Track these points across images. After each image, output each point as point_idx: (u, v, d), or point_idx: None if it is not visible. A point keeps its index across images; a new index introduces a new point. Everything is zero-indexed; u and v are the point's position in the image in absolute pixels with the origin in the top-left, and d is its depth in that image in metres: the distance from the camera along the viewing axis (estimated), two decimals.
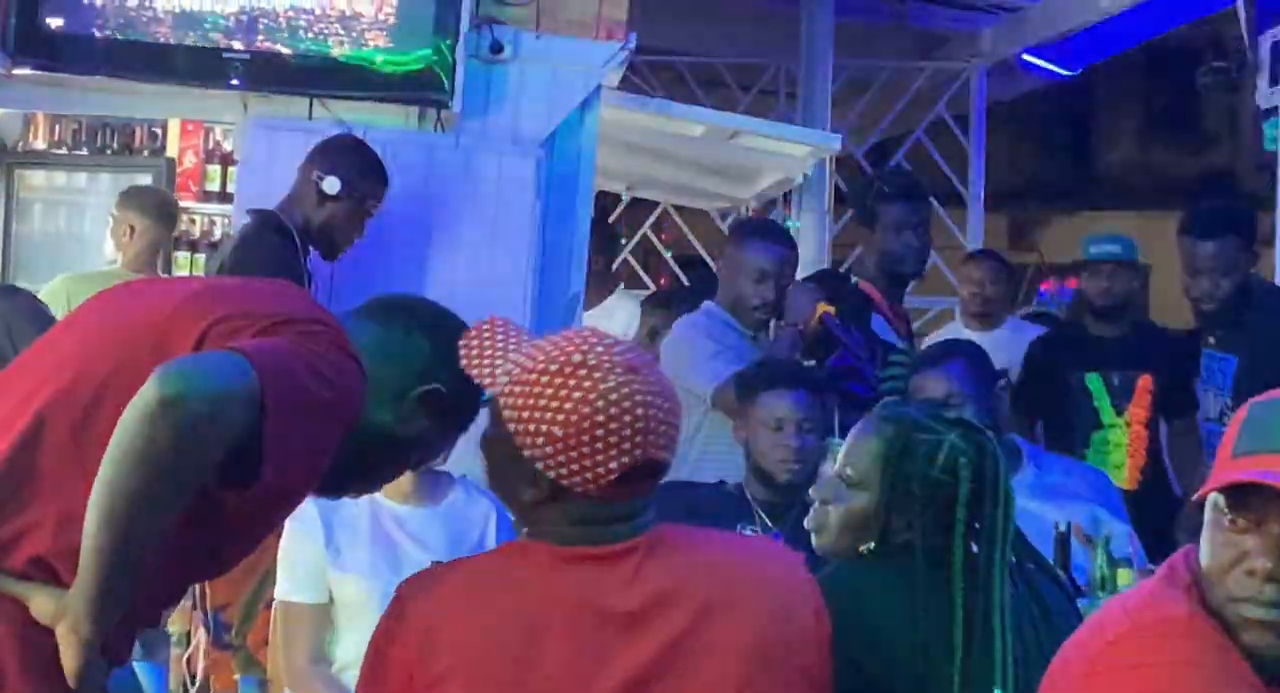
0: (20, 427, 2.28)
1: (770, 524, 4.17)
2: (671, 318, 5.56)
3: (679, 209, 9.13)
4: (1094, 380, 5.49)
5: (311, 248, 4.98)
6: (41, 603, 2.21)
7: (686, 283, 8.60)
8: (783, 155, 7.28)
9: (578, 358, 2.30)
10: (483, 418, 2.45)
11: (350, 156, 4.99)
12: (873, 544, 2.88)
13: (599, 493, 2.31)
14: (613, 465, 2.28)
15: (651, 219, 9.06)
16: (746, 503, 4.26)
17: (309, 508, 3.85)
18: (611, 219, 8.85)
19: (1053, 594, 2.94)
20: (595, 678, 2.27)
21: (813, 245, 7.76)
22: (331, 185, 4.90)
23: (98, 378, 2.28)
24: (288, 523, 3.72)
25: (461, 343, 2.41)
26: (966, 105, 8.83)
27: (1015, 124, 12.87)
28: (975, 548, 2.76)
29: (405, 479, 3.87)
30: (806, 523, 3.04)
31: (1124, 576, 3.79)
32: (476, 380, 2.37)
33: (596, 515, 2.34)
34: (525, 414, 2.29)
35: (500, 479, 2.41)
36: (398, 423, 2.46)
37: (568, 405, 2.27)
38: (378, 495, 3.93)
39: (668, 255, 9.48)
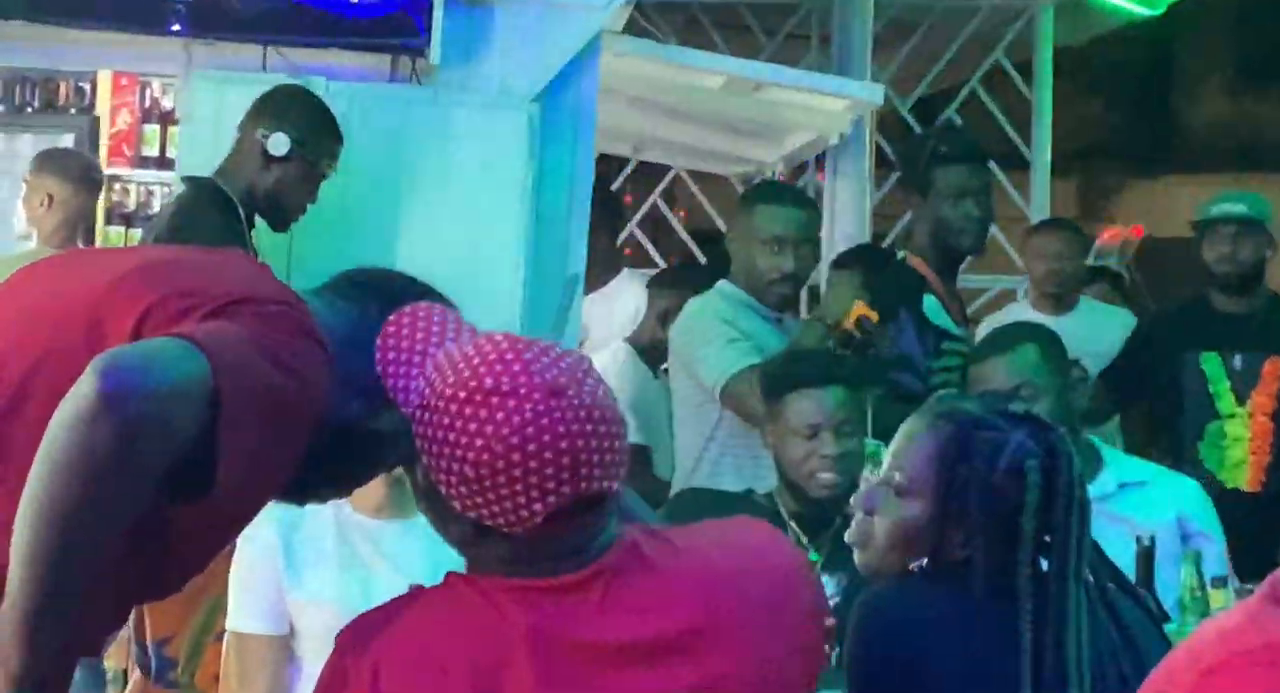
0: None
1: (805, 543, 4.15)
2: (685, 300, 5.55)
3: (694, 174, 9.12)
4: (1211, 362, 5.42)
5: (258, 218, 4.97)
6: None
7: (702, 259, 8.61)
8: (815, 111, 7.29)
9: (489, 382, 2.25)
10: None
11: (299, 110, 4.99)
12: (925, 561, 2.87)
13: (528, 535, 2.28)
14: (536, 506, 2.25)
15: (662, 186, 9.06)
16: (778, 517, 4.21)
17: (264, 524, 3.84)
18: (615, 186, 8.87)
19: (1135, 618, 2.94)
20: None
21: (851, 215, 7.76)
22: (278, 144, 4.89)
23: (18, 371, 2.26)
24: (240, 542, 3.75)
25: (378, 344, 2.38)
26: (1030, 51, 8.82)
27: (1087, 73, 12.88)
28: (1045, 565, 2.76)
29: (377, 488, 3.88)
30: (847, 537, 3.04)
31: (1217, 597, 3.80)
32: (390, 394, 2.36)
33: (534, 554, 2.32)
34: (435, 448, 2.27)
35: (426, 511, 2.40)
36: (370, 416, 2.42)
37: (479, 442, 2.24)
38: (345, 508, 3.95)
39: (681, 228, 9.48)
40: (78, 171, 6.19)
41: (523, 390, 2.24)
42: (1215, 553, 4.10)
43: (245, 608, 3.97)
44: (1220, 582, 3.92)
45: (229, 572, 4.38)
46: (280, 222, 5.00)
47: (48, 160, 6.28)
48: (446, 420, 2.25)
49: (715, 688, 2.30)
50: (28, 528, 2.10)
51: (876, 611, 2.73)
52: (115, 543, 2.16)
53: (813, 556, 4.04)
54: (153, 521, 2.20)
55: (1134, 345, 5.62)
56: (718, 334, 5.00)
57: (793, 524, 4.18)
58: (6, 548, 2.14)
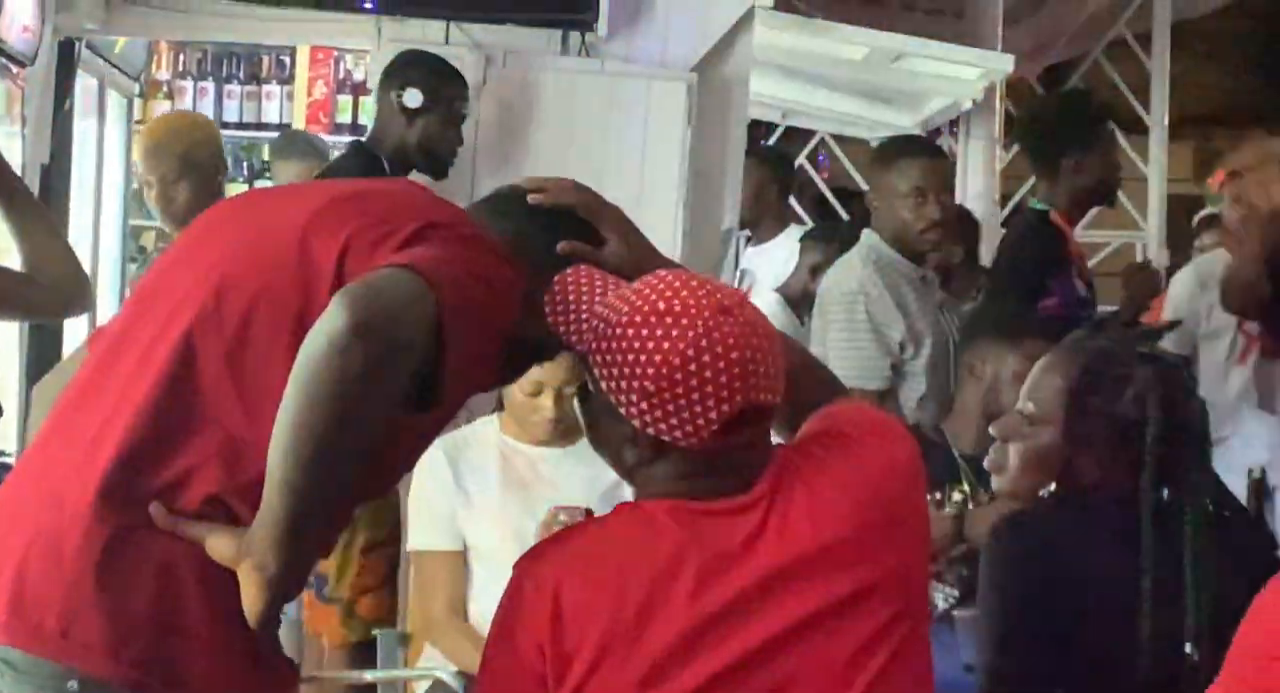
0: (165, 355, 2.27)
1: (977, 483, 4.07)
2: (833, 254, 5.49)
3: (836, 139, 9.09)
4: None
5: (419, 172, 5.00)
6: (218, 543, 2.22)
7: (845, 216, 8.57)
8: (950, 79, 7.26)
9: (662, 306, 2.27)
10: None
11: (420, 65, 5.04)
12: (1053, 486, 2.87)
13: (702, 446, 2.29)
14: (713, 415, 2.26)
15: (809, 149, 9.04)
16: (950, 453, 4.16)
17: (435, 452, 3.92)
18: (770, 147, 8.84)
19: (1251, 544, 2.92)
20: (739, 631, 2.28)
21: (981, 176, 7.72)
22: (413, 98, 4.94)
23: (246, 295, 2.28)
24: (414, 470, 3.79)
25: (545, 297, 2.38)
26: (1149, 23, 8.70)
27: (1205, 42, 12.65)
28: (1166, 493, 2.75)
29: (540, 421, 3.94)
30: (986, 463, 3.04)
31: None
32: (562, 338, 2.37)
33: (706, 468, 2.33)
34: (614, 371, 2.28)
35: (600, 441, 2.41)
36: (531, 321, 2.40)
37: (657, 357, 2.25)
38: (507, 436, 4.01)
39: (825, 188, 9.44)
40: (314, 152, 6.33)
41: (694, 310, 2.26)
42: None
43: (422, 528, 4.04)
44: None
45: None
46: (438, 169, 5.03)
47: (289, 145, 6.42)
48: (624, 343, 2.26)
49: (867, 596, 2.29)
50: (285, 448, 2.12)
51: (1012, 531, 2.74)
52: (364, 457, 2.20)
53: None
54: (385, 433, 2.22)
55: None
56: (859, 324, 4.80)
57: (965, 468, 4.10)
58: (253, 462, 2.18)
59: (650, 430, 2.29)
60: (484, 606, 3.84)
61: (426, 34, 5.40)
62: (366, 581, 4.64)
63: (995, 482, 3.01)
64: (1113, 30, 8.72)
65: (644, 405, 2.27)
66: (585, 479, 3.82)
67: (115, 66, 6.37)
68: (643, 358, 2.26)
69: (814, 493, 2.36)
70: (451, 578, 3.99)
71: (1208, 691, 2.28)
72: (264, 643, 2.30)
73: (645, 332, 2.26)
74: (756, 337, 2.30)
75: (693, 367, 2.25)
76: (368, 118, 5.74)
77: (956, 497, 3.85)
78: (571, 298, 2.38)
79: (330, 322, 2.07)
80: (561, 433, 3.96)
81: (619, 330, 2.28)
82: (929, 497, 3.72)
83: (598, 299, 2.36)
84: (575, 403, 2.46)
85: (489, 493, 3.98)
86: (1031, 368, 3.79)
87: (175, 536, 2.23)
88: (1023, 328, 4.13)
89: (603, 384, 2.31)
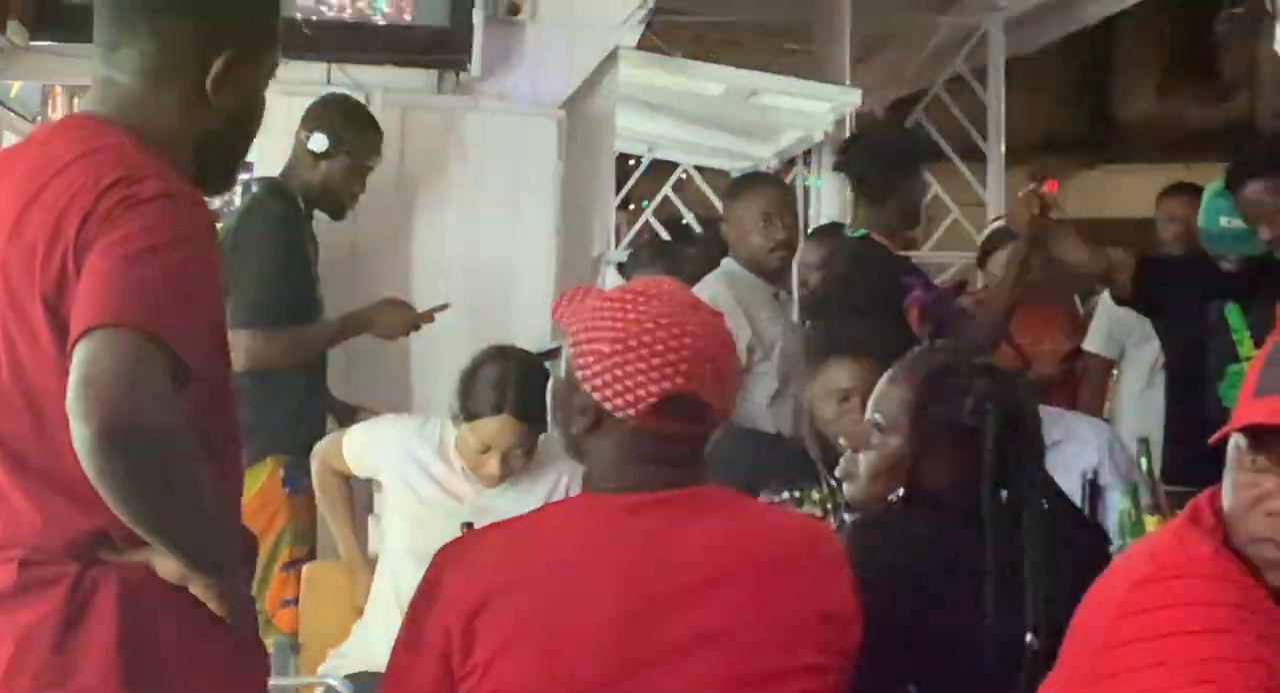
0: None
1: (831, 483, 4.07)
2: (660, 272, 5.58)
3: (700, 169, 9.11)
4: (1233, 310, 5.05)
5: (319, 211, 4.95)
6: (164, 566, 2.21)
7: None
8: (802, 113, 7.29)
9: (641, 287, 2.32)
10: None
11: (334, 112, 4.95)
12: (901, 491, 2.87)
13: (639, 420, 2.27)
14: (653, 389, 2.25)
15: (672, 180, 9.05)
16: (807, 458, 4.13)
17: (411, 424, 4.12)
18: (632, 181, 8.86)
19: (1084, 540, 2.93)
20: (643, 640, 2.25)
21: (835, 202, 7.75)
22: (319, 143, 4.86)
23: None
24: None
25: (553, 307, 2.40)
26: (985, 59, 8.78)
27: (1035, 77, 12.81)
28: (1006, 495, 2.75)
29: (488, 463, 3.92)
30: (837, 472, 3.04)
31: (1150, 522, 3.78)
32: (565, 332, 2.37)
33: (637, 453, 2.31)
34: (581, 335, 2.30)
35: (558, 411, 2.39)
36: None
37: (619, 324, 2.27)
38: (458, 454, 3.99)
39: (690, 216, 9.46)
40: None
41: (666, 295, 2.31)
42: (1142, 485, 4.06)
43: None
44: (1151, 509, 3.91)
45: (299, 505, 4.45)
46: (335, 211, 4.96)
47: None
48: (598, 313, 2.30)
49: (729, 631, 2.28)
50: (134, 523, 2.12)
51: (862, 535, 2.73)
52: (202, 470, 2.16)
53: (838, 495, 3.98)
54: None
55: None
56: None
57: (823, 469, 4.13)
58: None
59: (597, 395, 2.28)
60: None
61: (309, 75, 5.34)
62: (284, 594, 4.59)
63: (847, 489, 3.00)
64: (951, 67, 8.79)
65: (597, 368, 2.27)
66: (513, 507, 3.81)
67: (10, 109, 6.25)
68: (607, 323, 2.27)
69: (731, 509, 2.36)
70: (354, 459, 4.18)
71: (1047, 677, 2.28)
72: (242, 633, 2.31)
73: (618, 304, 2.29)
74: (714, 340, 2.30)
75: (647, 338, 2.25)
76: (254, 154, 5.65)
77: (815, 497, 3.86)
78: (574, 302, 2.38)
79: (80, 439, 2.03)
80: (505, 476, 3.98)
81: (599, 303, 2.31)
82: (788, 495, 3.73)
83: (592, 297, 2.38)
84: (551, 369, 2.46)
85: (419, 490, 3.97)
86: (865, 381, 3.82)
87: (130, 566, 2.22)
88: (856, 345, 4.16)
89: (569, 350, 2.31)
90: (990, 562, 2.68)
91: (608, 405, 2.28)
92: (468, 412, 3.86)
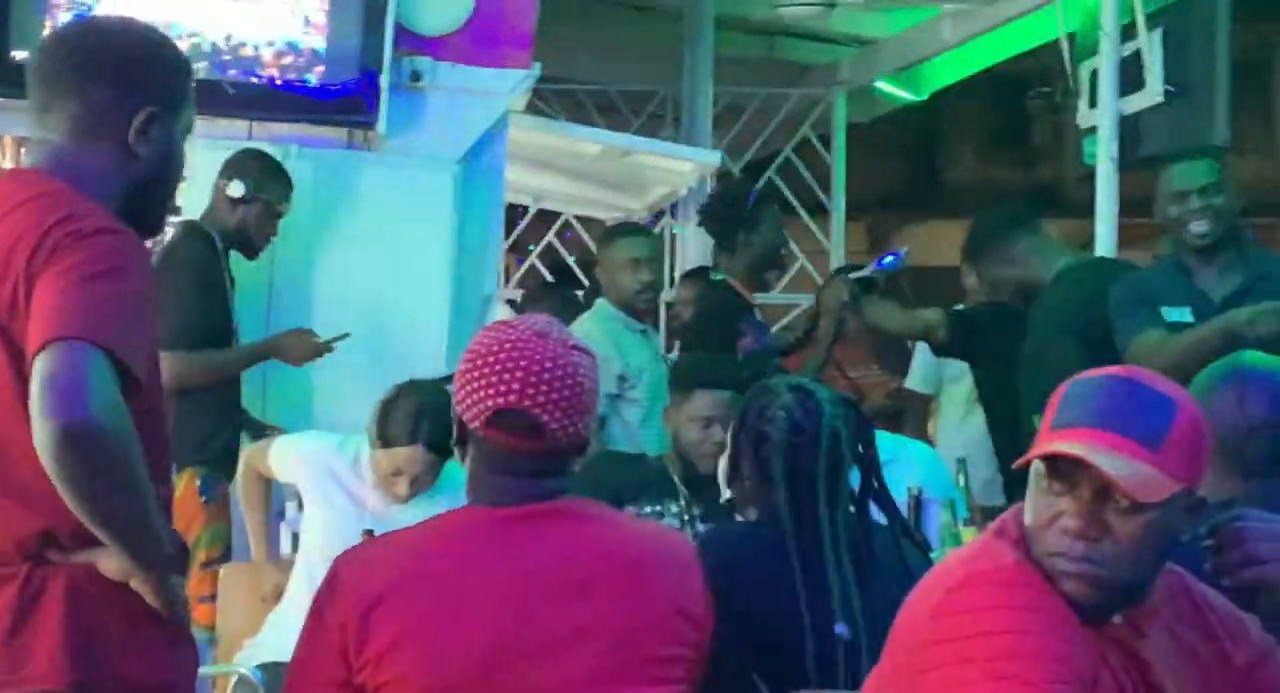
0: None
1: (690, 499, 4.11)
2: (550, 309, 5.60)
3: (579, 218, 9.11)
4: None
5: (234, 251, 4.95)
6: (107, 564, 2.19)
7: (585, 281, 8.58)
8: (669, 171, 7.30)
9: (507, 320, 2.39)
10: None
11: (251, 163, 4.96)
12: (729, 495, 2.89)
13: (483, 432, 2.30)
14: (488, 403, 2.28)
15: (555, 228, 9.05)
16: (668, 478, 4.17)
17: (331, 441, 4.06)
18: (520, 228, 8.85)
19: (911, 553, 2.94)
20: (519, 636, 2.25)
21: (696, 249, 7.78)
22: (235, 188, 4.88)
23: None
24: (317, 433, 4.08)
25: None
26: (829, 126, 8.88)
27: (872, 143, 12.96)
28: (831, 507, 2.76)
29: (400, 485, 3.89)
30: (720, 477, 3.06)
31: (968, 533, 3.83)
32: None
33: (494, 462, 2.33)
34: (462, 361, 2.35)
35: (455, 440, 2.43)
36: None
37: (475, 348, 2.32)
38: (373, 471, 3.94)
39: (570, 259, 9.45)
40: None
41: (522, 325, 2.34)
42: (960, 502, 4.10)
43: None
44: (968, 522, 3.95)
45: (214, 512, 4.40)
46: (249, 252, 4.99)
47: None
48: (473, 339, 2.37)
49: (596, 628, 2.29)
50: (89, 521, 2.09)
51: (704, 545, 2.74)
52: (150, 475, 2.14)
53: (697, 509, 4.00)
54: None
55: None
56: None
57: (681, 487, 4.14)
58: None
59: (460, 407, 2.32)
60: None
61: (234, 131, 5.30)
62: (202, 591, 4.54)
63: (725, 492, 3.03)
64: (800, 132, 8.87)
65: (457, 385, 2.31)
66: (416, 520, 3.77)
67: None
68: (471, 347, 2.33)
69: (596, 520, 2.36)
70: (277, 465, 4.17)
71: (872, 672, 2.29)
72: (176, 626, 2.29)
73: (483, 332, 2.35)
74: (558, 366, 2.29)
75: (490, 357, 2.28)
76: (182, 199, 5.58)
77: (674, 510, 3.88)
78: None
79: (43, 437, 2.01)
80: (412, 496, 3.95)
81: (479, 332, 2.37)
82: (650, 509, 3.74)
83: None
84: None
85: (334, 500, 3.94)
86: (725, 410, 3.85)
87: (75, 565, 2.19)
88: (707, 376, 4.19)
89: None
90: (798, 571, 2.70)
91: (464, 418, 2.32)
92: (384, 438, 3.84)
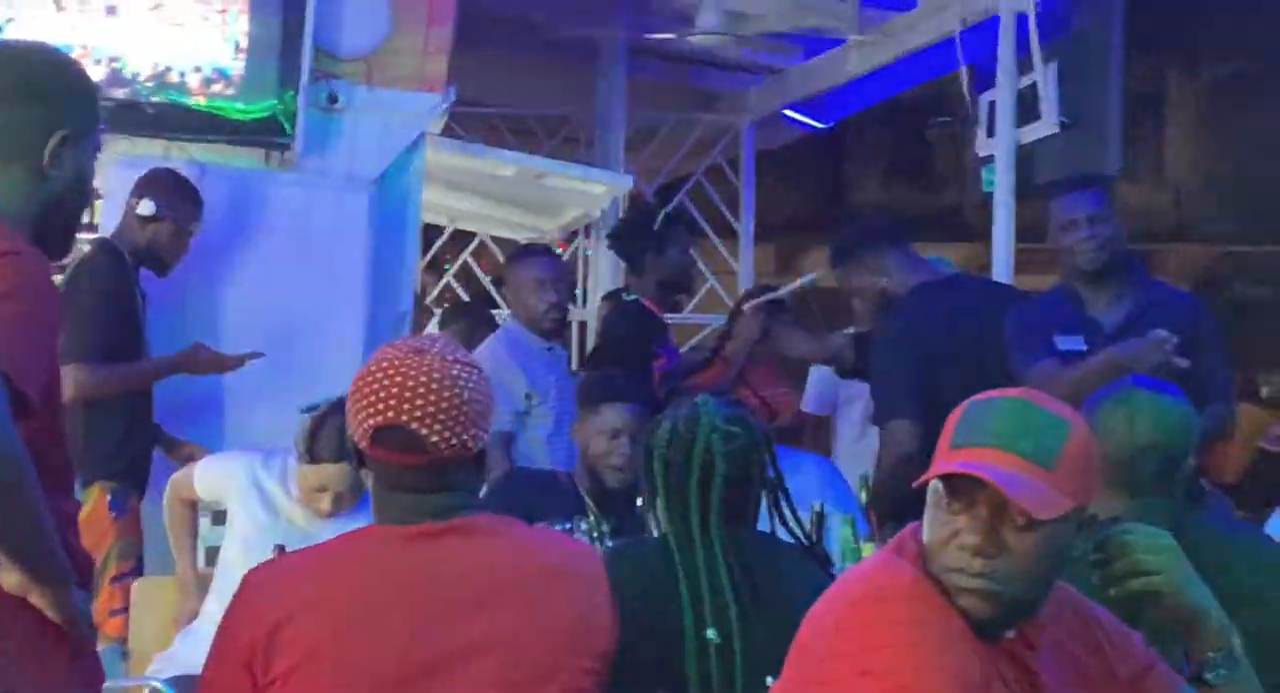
0: None
1: (599, 514, 4.09)
2: (467, 326, 5.74)
3: (495, 239, 9.08)
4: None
5: (145, 268, 4.92)
6: (8, 579, 2.15)
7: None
8: (582, 193, 7.30)
9: (396, 341, 2.37)
10: None
11: (162, 183, 4.92)
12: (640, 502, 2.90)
13: (370, 451, 2.30)
14: (369, 421, 2.27)
15: (471, 248, 9.02)
16: (578, 493, 4.17)
17: (254, 457, 4.02)
18: (436, 247, 8.82)
19: (809, 564, 2.95)
20: (425, 652, 2.24)
21: (609, 270, 7.79)
22: (146, 207, 4.85)
23: None
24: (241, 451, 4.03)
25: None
26: (738, 152, 8.92)
27: (780, 168, 13.05)
28: (723, 523, 2.78)
29: (323, 500, 3.85)
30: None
31: (867, 548, 3.85)
32: None
33: (388, 479, 2.32)
34: None
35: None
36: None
37: (361, 370, 2.32)
38: (297, 487, 3.90)
39: (485, 278, 9.41)
40: None
41: (401, 345, 2.32)
42: (858, 518, 4.12)
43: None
44: (869, 538, 3.97)
45: (124, 526, 4.35)
46: (160, 268, 4.96)
47: None
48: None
49: (501, 641, 2.28)
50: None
51: (612, 559, 2.74)
52: (41, 494, 2.11)
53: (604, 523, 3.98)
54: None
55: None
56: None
57: (590, 502, 4.14)
58: None
59: (350, 430, 2.32)
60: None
61: (151, 151, 5.26)
62: (113, 604, 4.48)
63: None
64: (709, 157, 8.90)
65: (348, 403, 2.32)
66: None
67: None
68: (360, 370, 2.32)
69: (500, 534, 2.35)
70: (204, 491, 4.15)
71: (777, 683, 2.29)
72: (79, 639, 2.25)
73: (373, 355, 2.33)
74: (439, 383, 2.26)
75: (368, 378, 2.28)
76: (99, 217, 5.52)
77: (584, 527, 3.87)
78: None
79: None
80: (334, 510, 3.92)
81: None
82: (560, 526, 3.72)
83: None
84: None
85: (258, 516, 3.92)
86: (632, 423, 3.85)
87: None
88: (624, 392, 4.19)
89: None
90: (683, 582, 2.71)
91: (354, 439, 2.32)
92: (312, 455, 3.81)
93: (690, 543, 2.75)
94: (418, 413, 2.27)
